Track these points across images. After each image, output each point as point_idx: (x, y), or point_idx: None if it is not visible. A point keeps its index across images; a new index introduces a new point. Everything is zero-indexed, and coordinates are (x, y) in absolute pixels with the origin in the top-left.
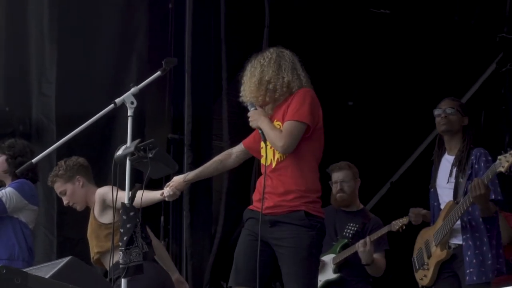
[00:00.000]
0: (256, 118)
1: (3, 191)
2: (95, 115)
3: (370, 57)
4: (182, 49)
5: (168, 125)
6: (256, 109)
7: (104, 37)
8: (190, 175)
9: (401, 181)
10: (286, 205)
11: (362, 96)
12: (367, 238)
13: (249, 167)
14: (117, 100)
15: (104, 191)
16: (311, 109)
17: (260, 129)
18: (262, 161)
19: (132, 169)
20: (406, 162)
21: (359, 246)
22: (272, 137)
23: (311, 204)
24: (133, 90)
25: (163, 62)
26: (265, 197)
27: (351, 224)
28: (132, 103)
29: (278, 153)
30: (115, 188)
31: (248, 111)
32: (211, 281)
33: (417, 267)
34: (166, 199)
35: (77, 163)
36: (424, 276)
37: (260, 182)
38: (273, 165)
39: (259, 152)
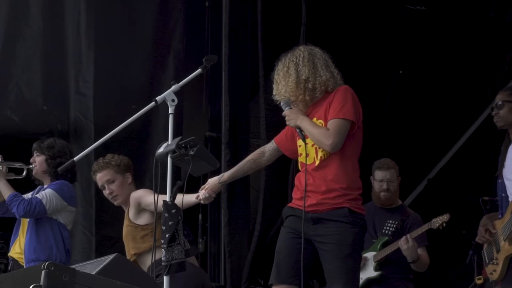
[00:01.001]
0: (294, 117)
1: (42, 192)
2: (132, 113)
3: (406, 54)
4: (219, 48)
5: (205, 124)
6: (291, 108)
7: (140, 36)
8: (224, 176)
9: (438, 178)
10: (329, 203)
11: (399, 92)
12: (408, 236)
13: (287, 164)
14: (158, 98)
15: (139, 195)
16: (355, 107)
17: (299, 128)
18: (301, 159)
19: (173, 167)
20: (443, 158)
21: (402, 244)
22: (317, 135)
23: (354, 202)
24: (174, 87)
25: (203, 60)
26: (307, 195)
27: (391, 221)
28: (173, 100)
29: (322, 151)
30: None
31: (282, 109)
32: (249, 278)
33: (487, 261)
34: (202, 201)
35: (128, 161)
36: (493, 271)
37: (299, 180)
38: (316, 163)
39: (292, 150)
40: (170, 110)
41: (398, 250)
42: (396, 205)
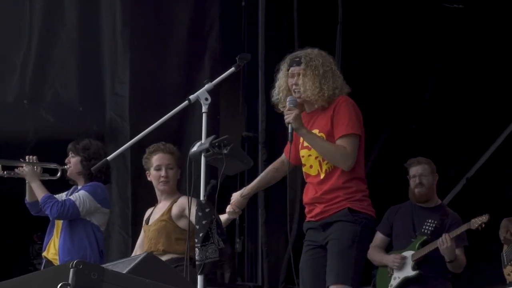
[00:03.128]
0: (298, 122)
1: (76, 194)
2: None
3: (443, 52)
4: (256, 47)
5: (242, 123)
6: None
7: (176, 36)
8: (246, 189)
9: (477, 177)
10: (333, 208)
11: (437, 90)
12: (447, 235)
13: None
14: (192, 97)
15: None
16: (359, 119)
17: (292, 128)
18: (305, 169)
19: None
20: (482, 157)
21: (441, 244)
22: (332, 152)
23: (358, 202)
24: (207, 86)
25: (237, 58)
26: (315, 205)
27: (430, 221)
28: (206, 99)
29: (326, 164)
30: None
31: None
32: (286, 278)
33: (505, 263)
34: (229, 216)
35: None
36: (511, 272)
37: (306, 193)
38: (322, 176)
39: (298, 159)
40: (204, 109)
41: (437, 249)
42: (435, 204)
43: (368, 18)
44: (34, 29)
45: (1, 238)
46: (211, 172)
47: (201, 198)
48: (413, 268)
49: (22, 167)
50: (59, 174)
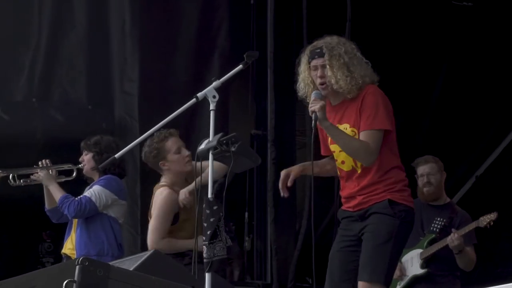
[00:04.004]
0: (323, 113)
1: (91, 190)
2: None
3: (452, 50)
4: (264, 45)
5: (251, 121)
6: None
7: (185, 34)
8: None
9: (487, 175)
10: (373, 199)
11: (445, 88)
12: (456, 233)
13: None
14: (199, 94)
15: None
16: (387, 110)
17: (316, 117)
18: (338, 165)
19: None
20: (492, 155)
21: (450, 241)
22: (356, 148)
23: (398, 193)
24: (215, 84)
25: (244, 56)
26: (353, 196)
27: (438, 219)
28: (214, 97)
29: None
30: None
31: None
32: (296, 277)
33: None
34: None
35: None
36: None
37: (343, 188)
38: (358, 171)
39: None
40: (212, 107)
41: (446, 247)
42: (444, 202)
43: (377, 16)
44: (43, 29)
45: (11, 236)
46: None
47: (209, 195)
48: (422, 266)
49: (37, 172)
50: (74, 174)
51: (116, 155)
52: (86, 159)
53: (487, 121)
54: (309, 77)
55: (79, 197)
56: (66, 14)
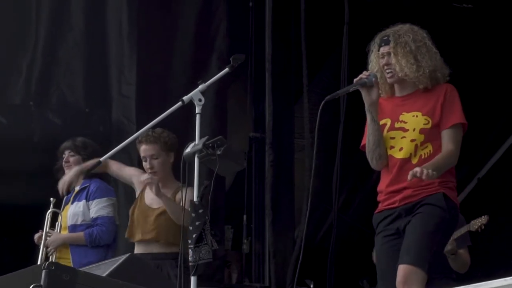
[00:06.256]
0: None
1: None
2: (175, 115)
3: (453, 52)
4: (263, 47)
5: (249, 124)
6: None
7: (183, 37)
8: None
9: (488, 177)
10: (425, 192)
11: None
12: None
13: (331, 166)
14: (185, 98)
15: None
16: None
17: (365, 82)
18: (392, 152)
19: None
20: (493, 157)
21: None
22: (448, 162)
23: (450, 190)
24: (200, 87)
25: (230, 59)
26: (401, 189)
27: None
28: (200, 100)
29: (423, 149)
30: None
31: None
32: (294, 279)
33: None
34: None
35: (176, 140)
36: None
37: (384, 180)
38: (414, 161)
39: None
40: (197, 110)
41: None
42: None
43: (375, 19)
44: (41, 31)
45: (8, 243)
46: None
47: (195, 199)
48: None
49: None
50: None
51: (101, 159)
52: (74, 161)
53: (489, 124)
54: (378, 65)
55: (94, 232)
56: (63, 17)
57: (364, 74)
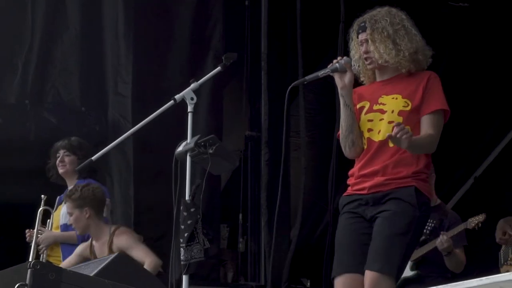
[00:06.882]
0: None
1: None
2: (172, 114)
3: (449, 51)
4: (258, 46)
5: (245, 123)
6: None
7: (179, 36)
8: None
9: (485, 176)
10: (397, 182)
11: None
12: (445, 235)
13: (327, 163)
14: (177, 97)
15: (125, 246)
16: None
17: (336, 68)
18: (370, 135)
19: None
20: (490, 156)
21: (439, 244)
22: (429, 143)
23: (422, 182)
24: (193, 86)
25: (222, 58)
26: (374, 174)
27: (429, 220)
28: (192, 99)
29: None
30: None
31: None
32: (290, 278)
33: (502, 262)
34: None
35: (91, 195)
36: (507, 271)
37: (359, 160)
38: (391, 144)
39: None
40: (190, 109)
41: (435, 249)
42: (434, 204)
43: None
44: (36, 30)
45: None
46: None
47: (187, 198)
48: (412, 268)
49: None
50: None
51: (93, 158)
52: (70, 161)
53: (486, 122)
54: (358, 53)
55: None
56: (59, 16)
57: (337, 60)
